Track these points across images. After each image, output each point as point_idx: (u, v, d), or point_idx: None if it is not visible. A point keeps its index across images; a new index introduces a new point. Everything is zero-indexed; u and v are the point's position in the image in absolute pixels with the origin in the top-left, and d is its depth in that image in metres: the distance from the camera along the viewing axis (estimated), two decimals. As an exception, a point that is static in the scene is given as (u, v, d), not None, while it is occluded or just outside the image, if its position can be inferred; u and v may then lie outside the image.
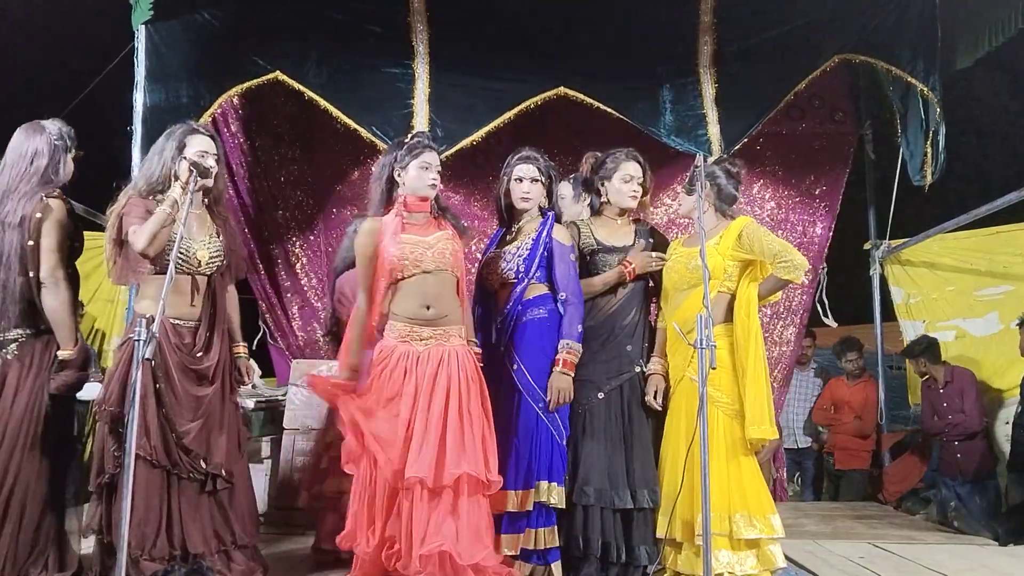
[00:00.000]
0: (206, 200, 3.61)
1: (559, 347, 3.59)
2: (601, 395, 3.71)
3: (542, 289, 3.69)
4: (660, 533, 3.58)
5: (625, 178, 3.86)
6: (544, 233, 3.68)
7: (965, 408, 5.54)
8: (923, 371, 5.88)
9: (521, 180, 3.76)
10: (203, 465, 3.40)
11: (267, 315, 6.37)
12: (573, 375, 3.59)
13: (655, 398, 3.70)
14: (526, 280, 3.66)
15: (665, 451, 3.68)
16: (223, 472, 3.45)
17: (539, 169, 3.75)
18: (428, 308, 3.36)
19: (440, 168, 3.49)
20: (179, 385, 3.40)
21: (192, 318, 3.50)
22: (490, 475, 3.25)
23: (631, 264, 3.79)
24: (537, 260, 3.65)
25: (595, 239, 3.87)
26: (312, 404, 5.01)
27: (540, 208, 3.79)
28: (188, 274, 3.47)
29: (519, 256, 3.70)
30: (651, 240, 3.96)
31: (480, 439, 3.28)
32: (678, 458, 3.55)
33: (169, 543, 3.34)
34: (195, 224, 3.51)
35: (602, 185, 3.94)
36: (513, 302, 3.68)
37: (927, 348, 5.84)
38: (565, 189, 4.19)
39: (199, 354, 3.48)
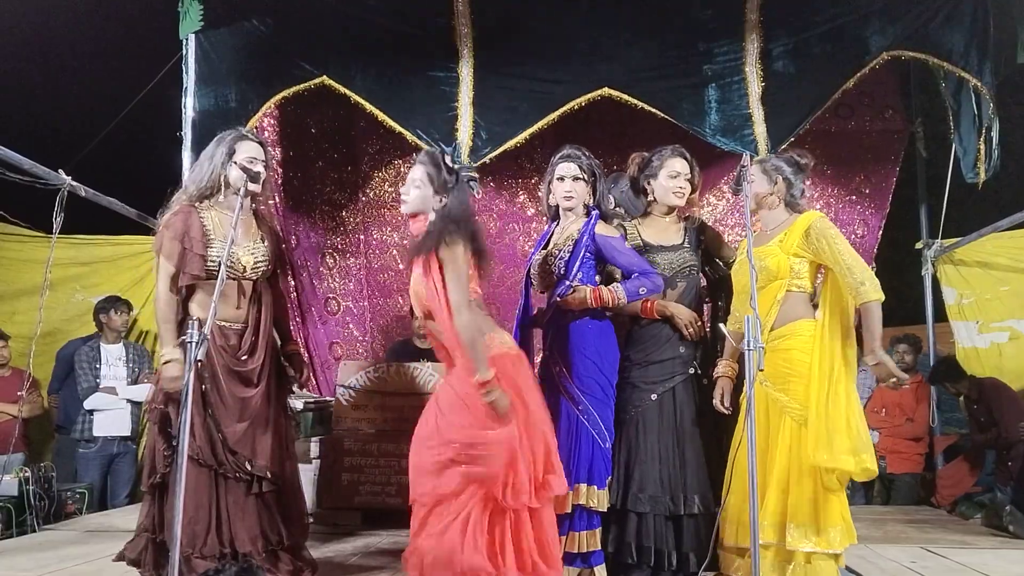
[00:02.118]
0: (253, 205, 3.66)
1: (640, 292, 3.54)
2: (654, 397, 3.68)
3: None
4: (725, 537, 3.52)
5: (672, 174, 3.81)
6: (587, 234, 3.62)
7: (998, 419, 5.45)
8: (953, 392, 5.80)
9: (563, 179, 3.71)
10: (248, 467, 3.45)
11: (298, 319, 6.45)
12: (587, 300, 3.54)
13: (722, 402, 3.63)
14: (567, 281, 3.60)
15: (733, 456, 3.56)
16: (267, 474, 3.48)
17: (581, 167, 3.69)
18: None
19: (418, 181, 3.22)
20: (225, 387, 3.45)
21: (238, 321, 3.55)
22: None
23: (665, 309, 3.71)
24: (579, 261, 3.60)
25: (641, 239, 3.82)
26: (361, 406, 5.06)
27: (586, 206, 3.73)
28: (234, 279, 3.52)
29: (561, 258, 3.66)
30: (701, 238, 3.93)
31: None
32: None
33: (219, 541, 3.39)
34: (241, 230, 3.54)
35: (648, 183, 3.89)
36: (555, 304, 3.67)
37: (947, 373, 5.77)
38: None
39: (244, 357, 3.52)
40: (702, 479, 3.64)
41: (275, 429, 3.58)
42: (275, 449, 3.55)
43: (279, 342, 3.77)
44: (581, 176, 3.69)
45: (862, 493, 6.84)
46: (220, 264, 3.27)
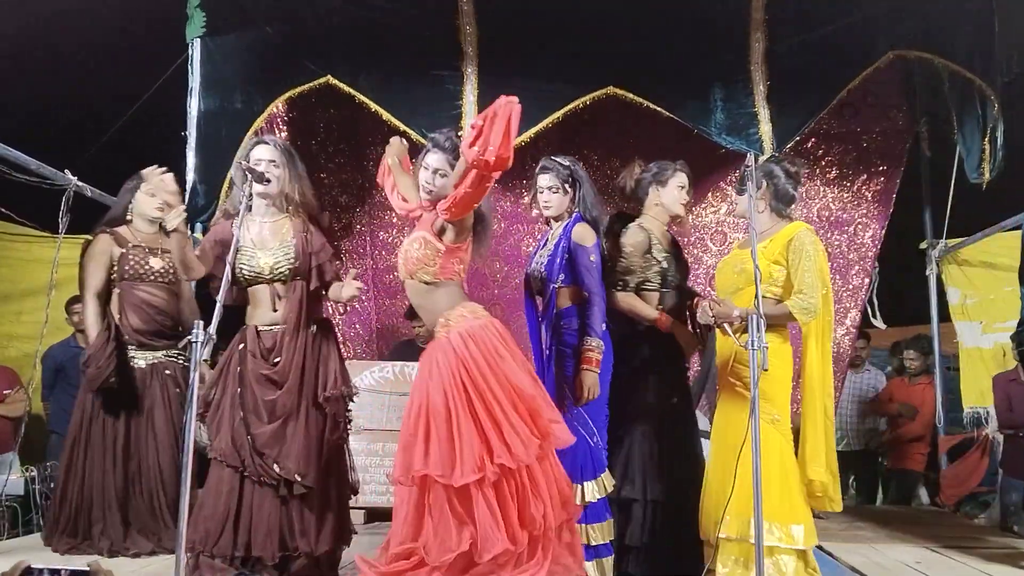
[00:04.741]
0: (289, 207, 3.67)
1: (583, 343, 3.61)
2: (656, 401, 3.85)
3: (575, 297, 3.73)
4: (703, 532, 3.59)
5: (680, 185, 3.94)
6: (564, 236, 3.73)
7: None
8: None
9: (541, 191, 3.83)
10: (276, 468, 3.42)
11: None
12: (598, 371, 3.61)
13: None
14: (552, 285, 3.72)
15: (714, 453, 3.66)
16: (296, 477, 3.43)
17: (556, 178, 3.78)
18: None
19: (442, 170, 3.34)
20: (255, 391, 3.49)
21: (275, 324, 3.58)
22: (453, 476, 3.02)
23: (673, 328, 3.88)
24: (558, 264, 3.71)
25: (664, 247, 3.93)
26: (365, 405, 5.07)
27: (570, 213, 3.82)
28: (263, 283, 3.58)
29: (540, 262, 3.81)
30: None
31: (445, 435, 3.09)
32: (720, 460, 3.55)
33: (233, 543, 3.40)
34: (268, 232, 3.61)
35: (657, 190, 3.97)
36: (548, 308, 3.76)
37: None
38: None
39: (277, 359, 3.53)
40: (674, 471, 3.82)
41: (308, 432, 3.52)
42: (306, 452, 3.48)
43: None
44: (557, 186, 3.79)
45: (867, 494, 6.86)
46: (241, 269, 3.47)
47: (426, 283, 3.30)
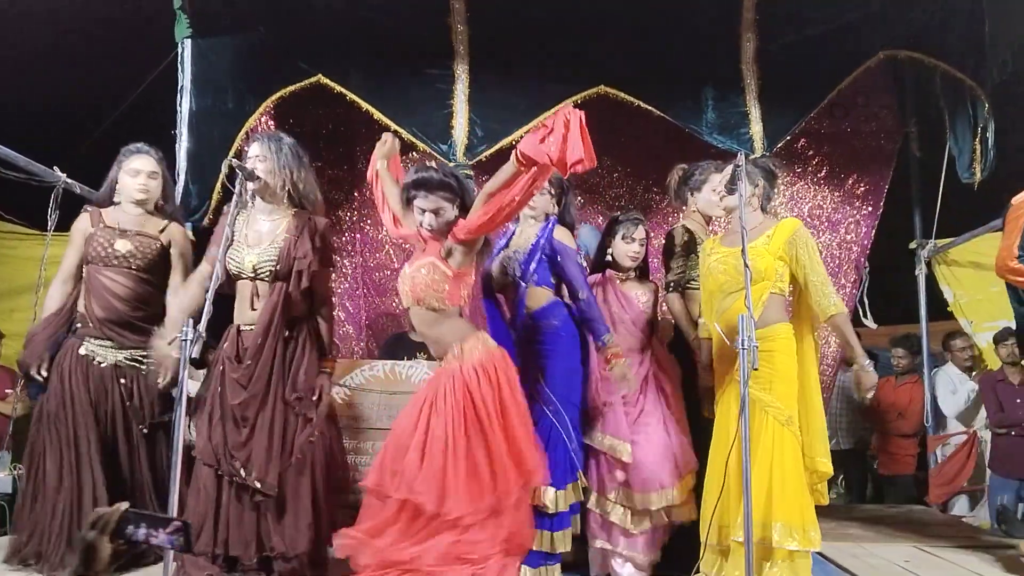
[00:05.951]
0: (284, 202, 3.67)
1: (604, 341, 3.63)
2: None
3: (549, 296, 3.73)
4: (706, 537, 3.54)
5: (715, 187, 3.98)
6: (543, 238, 3.74)
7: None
8: (1011, 360, 5.72)
9: None
10: (242, 473, 3.42)
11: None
12: (627, 361, 3.68)
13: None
14: (523, 285, 3.70)
15: (714, 455, 3.62)
16: (258, 484, 3.41)
17: (547, 180, 3.77)
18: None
19: (441, 208, 3.31)
20: (228, 393, 3.48)
21: (253, 323, 3.56)
22: (445, 507, 3.05)
23: None
24: (535, 263, 3.70)
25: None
26: (353, 404, 5.05)
27: (547, 215, 3.84)
28: (246, 279, 3.57)
29: (517, 260, 3.76)
30: None
31: (440, 465, 3.11)
32: (721, 461, 3.51)
33: (213, 541, 3.40)
34: (265, 230, 3.60)
35: (691, 195, 4.15)
36: (519, 306, 3.74)
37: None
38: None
39: (248, 362, 3.51)
40: None
41: (277, 437, 3.49)
42: (274, 457, 3.46)
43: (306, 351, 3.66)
44: (546, 189, 3.79)
45: (856, 493, 6.87)
46: (229, 264, 3.47)
47: (433, 310, 3.29)
